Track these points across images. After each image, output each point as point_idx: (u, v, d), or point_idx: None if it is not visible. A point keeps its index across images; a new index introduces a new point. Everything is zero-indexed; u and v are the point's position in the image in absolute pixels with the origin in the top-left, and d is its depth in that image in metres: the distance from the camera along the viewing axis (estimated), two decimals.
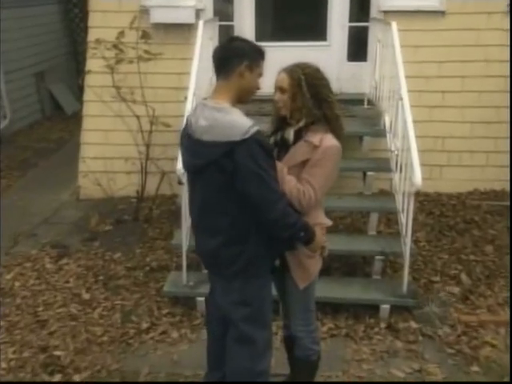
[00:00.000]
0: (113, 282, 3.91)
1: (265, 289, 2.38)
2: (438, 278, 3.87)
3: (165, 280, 3.80)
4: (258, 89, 2.26)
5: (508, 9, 4.93)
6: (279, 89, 2.32)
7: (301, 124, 2.31)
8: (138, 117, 4.79)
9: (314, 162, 2.28)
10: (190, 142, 2.21)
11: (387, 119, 4.23)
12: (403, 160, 3.68)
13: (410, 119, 3.57)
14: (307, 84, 2.27)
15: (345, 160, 4.47)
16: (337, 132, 2.35)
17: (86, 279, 3.95)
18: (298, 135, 2.33)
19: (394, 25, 4.09)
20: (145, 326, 3.42)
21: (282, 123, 2.40)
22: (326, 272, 3.96)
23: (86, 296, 3.73)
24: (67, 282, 3.90)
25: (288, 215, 2.19)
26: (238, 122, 2.12)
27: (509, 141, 5.09)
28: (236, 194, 2.14)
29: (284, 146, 2.38)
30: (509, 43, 4.92)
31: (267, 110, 4.70)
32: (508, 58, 4.97)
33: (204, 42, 4.23)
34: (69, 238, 4.62)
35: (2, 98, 7.43)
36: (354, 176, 4.61)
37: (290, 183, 2.29)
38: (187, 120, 2.29)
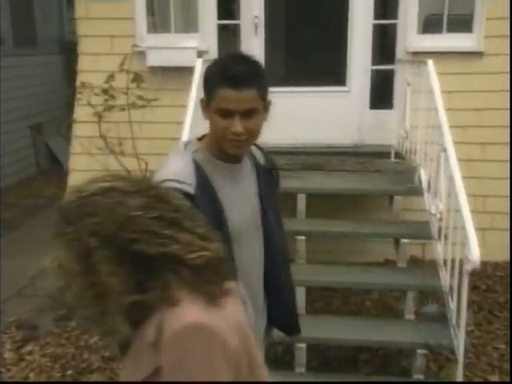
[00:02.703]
0: (84, 377, 3.12)
1: None
2: (496, 377, 3.04)
3: None
4: (229, 132, 1.48)
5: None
6: None
7: None
8: (128, 171, 4.13)
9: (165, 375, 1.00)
10: None
11: (423, 175, 3.52)
12: (448, 224, 2.96)
13: (458, 174, 2.85)
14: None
15: (372, 223, 3.86)
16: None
17: (50, 373, 3.16)
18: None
19: (431, 63, 3.44)
20: None
21: None
22: (351, 366, 3.19)
23: None
24: (26, 378, 3.12)
25: None
26: (161, 168, 1.54)
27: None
28: None
29: None
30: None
31: (310, 162, 4.10)
32: None
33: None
34: (41, 315, 3.86)
35: None
36: (382, 240, 3.89)
37: None
38: None
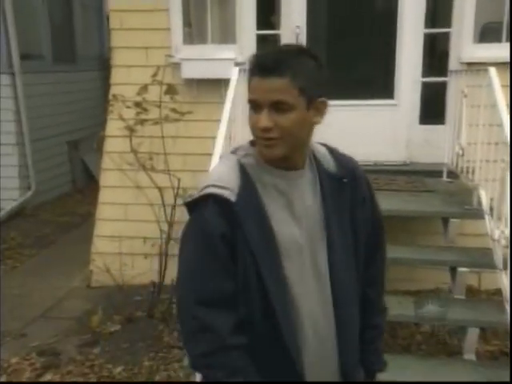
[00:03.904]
0: None
1: None
2: None
3: None
4: (257, 128, 1.30)
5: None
6: None
7: None
8: (159, 188, 3.91)
9: None
10: None
11: (484, 196, 3.15)
12: None
13: None
14: None
15: (425, 249, 3.48)
16: None
17: None
18: None
19: (493, 72, 3.09)
20: None
21: None
22: None
23: None
24: None
25: (186, 332, 1.35)
26: (207, 175, 1.44)
27: None
28: None
29: None
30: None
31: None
32: None
33: (239, 98, 3.34)
34: (64, 340, 3.62)
35: (27, 167, 6.79)
36: (437, 268, 3.52)
37: None
38: None
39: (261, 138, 1.30)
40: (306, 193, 1.38)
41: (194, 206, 1.35)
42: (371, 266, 1.52)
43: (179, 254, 1.37)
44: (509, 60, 3.88)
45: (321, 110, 1.34)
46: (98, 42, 8.85)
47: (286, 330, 1.32)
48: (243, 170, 1.35)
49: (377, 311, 1.57)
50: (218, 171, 1.39)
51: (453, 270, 3.14)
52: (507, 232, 2.69)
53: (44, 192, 7.05)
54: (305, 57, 1.31)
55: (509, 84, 3.58)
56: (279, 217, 1.34)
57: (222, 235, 1.30)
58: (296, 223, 1.36)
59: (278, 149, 1.30)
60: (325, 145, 1.49)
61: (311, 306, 1.37)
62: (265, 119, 1.26)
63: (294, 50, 1.33)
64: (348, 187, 1.42)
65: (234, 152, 1.42)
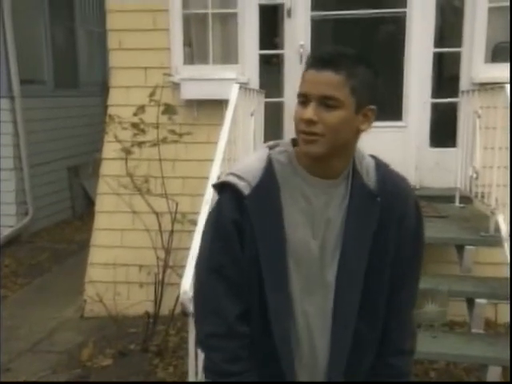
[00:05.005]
0: None
1: None
2: None
3: None
4: (301, 122, 1.26)
5: None
6: None
7: None
8: (157, 213, 3.71)
9: None
10: None
11: (502, 222, 2.93)
12: None
13: None
14: None
15: (438, 278, 3.24)
16: None
17: None
18: None
19: (509, 90, 2.90)
20: None
21: None
22: None
23: None
24: None
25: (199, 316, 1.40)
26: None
27: None
28: None
29: None
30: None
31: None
32: None
33: (240, 118, 3.17)
34: (52, 376, 3.38)
35: (25, 192, 6.62)
36: (452, 299, 3.27)
37: None
38: None
39: (303, 132, 1.26)
40: (331, 205, 1.33)
41: (219, 189, 1.37)
42: (396, 298, 1.37)
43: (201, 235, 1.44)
44: None
45: (369, 118, 1.30)
46: (101, 67, 8.78)
47: (279, 335, 1.31)
48: (270, 166, 1.33)
49: (394, 351, 1.40)
50: (245, 161, 1.42)
51: (469, 301, 2.90)
52: None
53: (42, 218, 6.87)
54: (363, 61, 1.28)
55: (508, 105, 3.39)
56: (296, 221, 1.31)
57: (234, 221, 1.30)
58: (311, 232, 1.32)
59: (318, 146, 1.25)
60: (375, 158, 1.42)
61: (309, 315, 1.34)
62: (311, 112, 1.23)
63: (354, 53, 1.29)
64: (381, 206, 1.33)
65: (273, 146, 1.38)
